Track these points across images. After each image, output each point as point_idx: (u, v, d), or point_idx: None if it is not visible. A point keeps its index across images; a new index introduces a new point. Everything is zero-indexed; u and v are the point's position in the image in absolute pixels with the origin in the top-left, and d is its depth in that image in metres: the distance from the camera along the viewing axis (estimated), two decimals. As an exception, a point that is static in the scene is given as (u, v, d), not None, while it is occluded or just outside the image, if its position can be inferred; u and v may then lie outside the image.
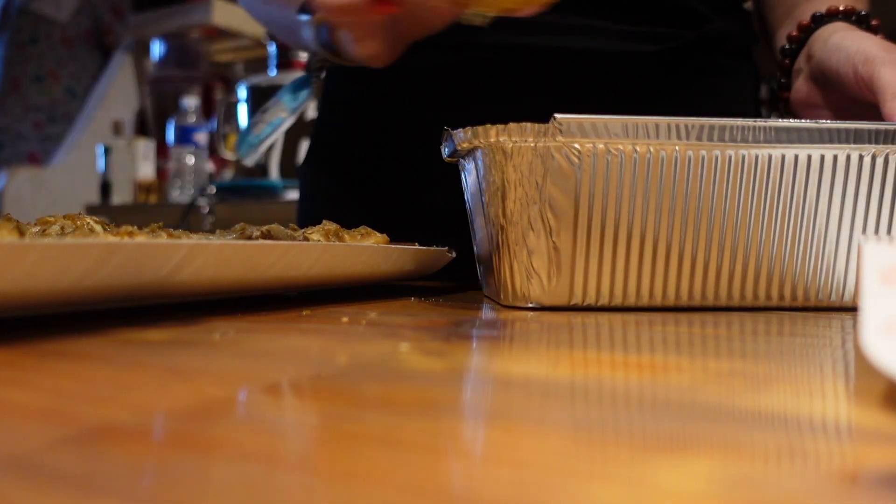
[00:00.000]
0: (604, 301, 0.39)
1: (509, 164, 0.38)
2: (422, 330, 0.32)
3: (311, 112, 1.74)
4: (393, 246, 0.45)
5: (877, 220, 0.40)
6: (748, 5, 0.69)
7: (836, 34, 0.51)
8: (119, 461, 0.14)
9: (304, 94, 0.61)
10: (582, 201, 0.38)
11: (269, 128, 0.61)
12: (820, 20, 0.53)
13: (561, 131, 0.37)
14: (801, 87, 0.54)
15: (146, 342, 0.27)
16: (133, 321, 0.31)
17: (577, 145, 0.37)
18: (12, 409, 0.17)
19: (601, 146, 0.37)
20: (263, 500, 0.12)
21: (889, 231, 0.40)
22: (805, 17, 0.55)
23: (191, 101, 1.96)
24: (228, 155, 1.94)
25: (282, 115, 0.61)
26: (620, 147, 0.37)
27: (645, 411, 0.18)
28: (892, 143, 0.39)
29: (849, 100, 0.50)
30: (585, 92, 0.60)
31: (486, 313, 0.39)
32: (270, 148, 1.75)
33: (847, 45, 0.49)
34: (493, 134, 0.38)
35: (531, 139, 0.37)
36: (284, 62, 1.78)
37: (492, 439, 0.15)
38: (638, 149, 0.37)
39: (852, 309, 0.40)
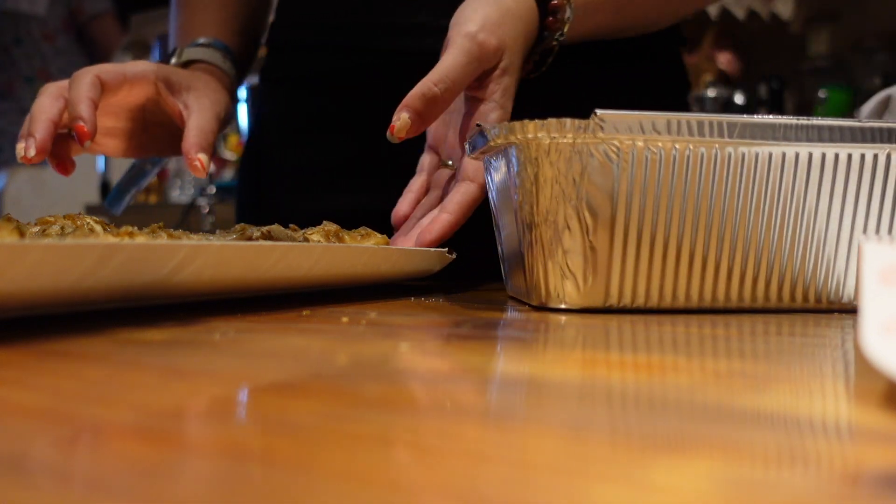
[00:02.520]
0: (639, 303, 0.38)
1: (546, 161, 0.37)
2: (422, 330, 0.32)
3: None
4: (393, 247, 0.45)
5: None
6: None
7: None
8: (119, 461, 0.14)
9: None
10: (620, 199, 0.37)
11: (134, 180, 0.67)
12: None
13: (602, 128, 0.36)
14: None
15: (146, 342, 0.27)
16: (133, 321, 0.31)
17: (615, 142, 0.37)
18: (12, 409, 0.17)
19: (640, 143, 0.37)
20: (263, 500, 0.12)
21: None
22: None
23: (191, 102, 1.96)
24: (228, 155, 1.94)
25: (147, 168, 0.66)
26: (660, 144, 0.37)
27: (645, 411, 0.18)
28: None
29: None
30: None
31: (486, 314, 0.39)
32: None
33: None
34: (531, 129, 0.37)
35: (570, 135, 0.37)
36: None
37: (491, 439, 0.15)
38: (677, 146, 0.37)
39: (853, 310, 0.40)
